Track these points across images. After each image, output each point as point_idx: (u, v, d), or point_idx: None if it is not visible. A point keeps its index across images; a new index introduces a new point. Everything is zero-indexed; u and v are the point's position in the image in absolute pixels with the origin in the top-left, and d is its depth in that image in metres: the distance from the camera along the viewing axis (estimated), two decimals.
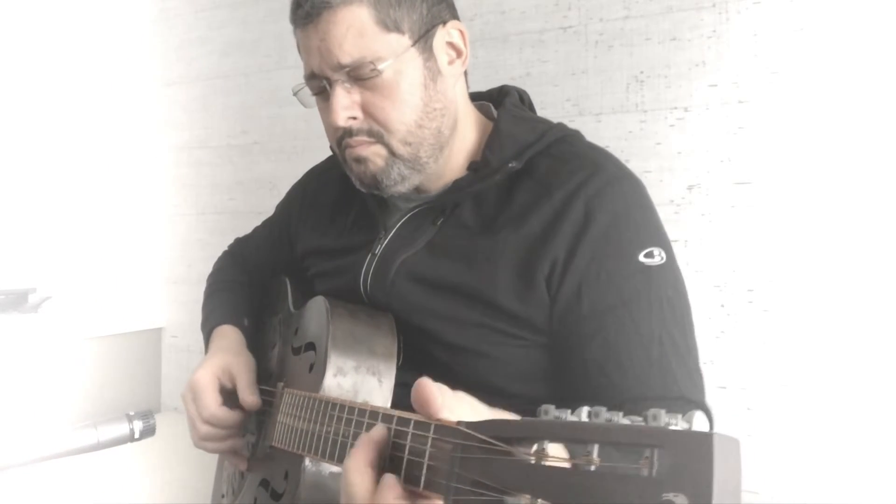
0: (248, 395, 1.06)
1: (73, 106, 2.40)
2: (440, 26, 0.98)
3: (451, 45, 1.00)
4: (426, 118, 0.97)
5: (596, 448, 0.41)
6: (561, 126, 1.04)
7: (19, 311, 2.11)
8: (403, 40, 0.94)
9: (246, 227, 1.44)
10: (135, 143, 2.29)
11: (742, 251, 1.42)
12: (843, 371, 1.34)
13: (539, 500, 0.43)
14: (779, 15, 1.40)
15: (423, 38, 0.95)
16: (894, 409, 1.30)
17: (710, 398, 1.42)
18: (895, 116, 1.32)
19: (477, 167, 1.00)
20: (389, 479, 0.57)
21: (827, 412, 1.35)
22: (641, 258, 0.91)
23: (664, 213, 1.49)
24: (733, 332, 1.43)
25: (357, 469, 0.59)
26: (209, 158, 2.15)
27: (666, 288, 0.91)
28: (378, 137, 0.97)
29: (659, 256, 0.92)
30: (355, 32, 0.91)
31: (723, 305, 1.44)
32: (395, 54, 0.93)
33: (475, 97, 1.12)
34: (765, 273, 1.40)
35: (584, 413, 0.44)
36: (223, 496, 1.23)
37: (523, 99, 1.11)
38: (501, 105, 1.06)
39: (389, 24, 0.93)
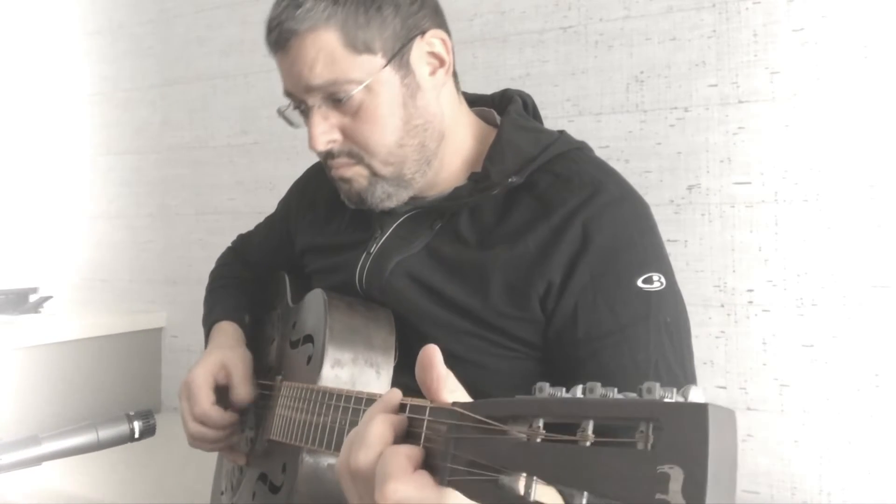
0: (242, 389, 1.05)
1: (74, 106, 2.41)
2: (418, 38, 0.94)
3: (432, 54, 0.97)
4: (407, 136, 0.95)
5: (591, 424, 0.41)
6: (565, 139, 1.01)
7: (19, 311, 2.11)
8: (376, 60, 0.91)
9: (246, 228, 1.44)
10: (135, 142, 2.29)
11: (742, 251, 1.42)
12: (843, 371, 1.33)
13: (535, 478, 0.43)
14: (779, 15, 1.40)
15: (398, 55, 0.92)
16: (894, 408, 1.30)
17: (710, 398, 1.42)
18: (895, 116, 1.32)
19: (477, 178, 0.98)
20: (400, 447, 0.55)
21: (827, 412, 1.34)
22: (640, 283, 0.88)
23: (664, 214, 1.50)
24: (733, 332, 1.42)
25: (379, 417, 0.58)
26: (209, 158, 2.15)
27: (664, 314, 0.89)
28: (359, 159, 0.96)
29: (658, 282, 0.89)
30: (325, 57, 0.89)
31: (723, 305, 1.43)
32: (368, 76, 0.91)
33: (477, 101, 1.10)
34: (765, 273, 1.40)
35: (578, 390, 0.44)
36: (222, 493, 1.23)
37: (527, 105, 1.08)
38: (505, 112, 1.03)
39: (360, 47, 0.90)
